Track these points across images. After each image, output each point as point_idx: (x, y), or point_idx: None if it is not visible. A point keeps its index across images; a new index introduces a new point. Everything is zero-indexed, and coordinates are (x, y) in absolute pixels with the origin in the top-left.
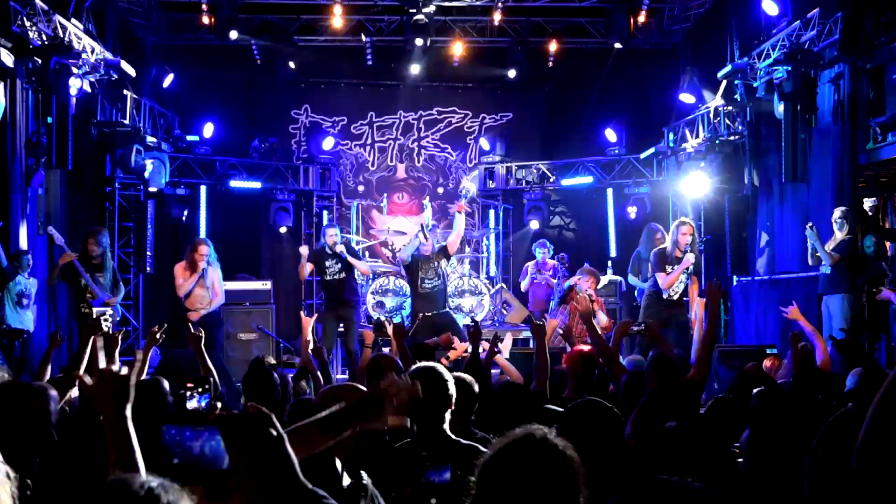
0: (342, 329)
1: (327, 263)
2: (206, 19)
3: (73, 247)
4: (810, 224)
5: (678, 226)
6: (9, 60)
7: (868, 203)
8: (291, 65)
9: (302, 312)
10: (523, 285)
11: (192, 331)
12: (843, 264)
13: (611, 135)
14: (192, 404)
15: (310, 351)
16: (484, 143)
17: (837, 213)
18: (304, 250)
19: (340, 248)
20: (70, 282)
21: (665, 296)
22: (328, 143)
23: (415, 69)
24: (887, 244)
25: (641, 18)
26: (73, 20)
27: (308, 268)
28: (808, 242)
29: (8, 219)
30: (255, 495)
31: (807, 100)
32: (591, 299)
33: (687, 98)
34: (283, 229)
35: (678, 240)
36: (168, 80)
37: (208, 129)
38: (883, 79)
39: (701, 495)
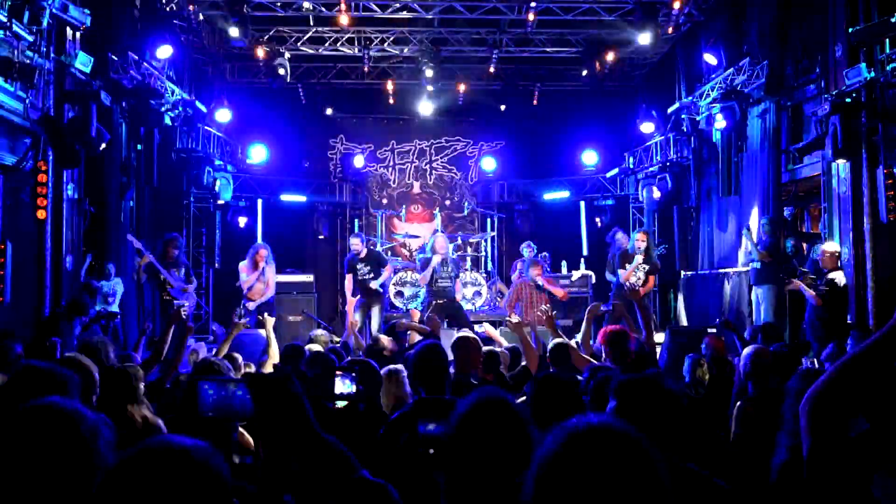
0: (370, 315)
1: (359, 267)
2: (262, 66)
3: (154, 248)
4: (747, 227)
5: (635, 234)
6: (107, 100)
7: (787, 212)
8: (328, 111)
9: (349, 296)
10: (514, 278)
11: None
12: (769, 261)
13: (590, 158)
14: (339, 388)
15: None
16: (489, 164)
17: (764, 220)
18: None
19: (367, 270)
20: (153, 277)
21: (626, 287)
22: (359, 163)
23: (426, 108)
24: (803, 245)
25: (609, 62)
26: (157, 67)
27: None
28: (744, 241)
29: (106, 225)
30: (275, 441)
31: (739, 131)
32: (541, 282)
33: (646, 127)
34: (321, 236)
35: (635, 245)
36: (226, 117)
37: (264, 154)
38: (800, 113)
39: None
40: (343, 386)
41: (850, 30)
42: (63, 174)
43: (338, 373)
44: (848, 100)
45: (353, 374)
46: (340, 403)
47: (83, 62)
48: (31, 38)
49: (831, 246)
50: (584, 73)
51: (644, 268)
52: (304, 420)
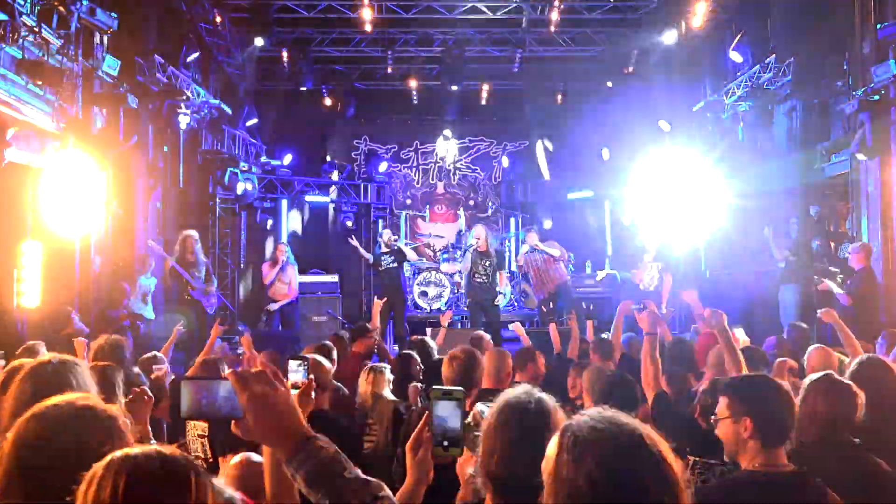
0: (393, 316)
1: (383, 258)
2: (286, 68)
3: (172, 250)
4: (768, 226)
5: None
6: (134, 103)
7: (813, 211)
8: (349, 115)
9: (376, 298)
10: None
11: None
12: (796, 260)
13: (605, 153)
14: (293, 377)
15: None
16: (504, 161)
17: (793, 220)
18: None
19: (395, 240)
20: (176, 279)
21: (642, 287)
22: (382, 166)
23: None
24: (832, 244)
25: (630, 68)
26: (183, 70)
27: (368, 256)
28: (770, 241)
29: (133, 227)
30: (262, 440)
31: (765, 128)
32: (536, 244)
33: (663, 125)
34: (351, 225)
35: (644, 244)
36: (251, 119)
37: (288, 156)
38: (828, 111)
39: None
40: (295, 376)
41: (879, 26)
42: (91, 176)
43: (290, 361)
44: (876, 97)
45: (305, 364)
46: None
47: (110, 65)
48: (59, 42)
49: (862, 244)
50: (609, 84)
51: (658, 265)
52: (292, 417)
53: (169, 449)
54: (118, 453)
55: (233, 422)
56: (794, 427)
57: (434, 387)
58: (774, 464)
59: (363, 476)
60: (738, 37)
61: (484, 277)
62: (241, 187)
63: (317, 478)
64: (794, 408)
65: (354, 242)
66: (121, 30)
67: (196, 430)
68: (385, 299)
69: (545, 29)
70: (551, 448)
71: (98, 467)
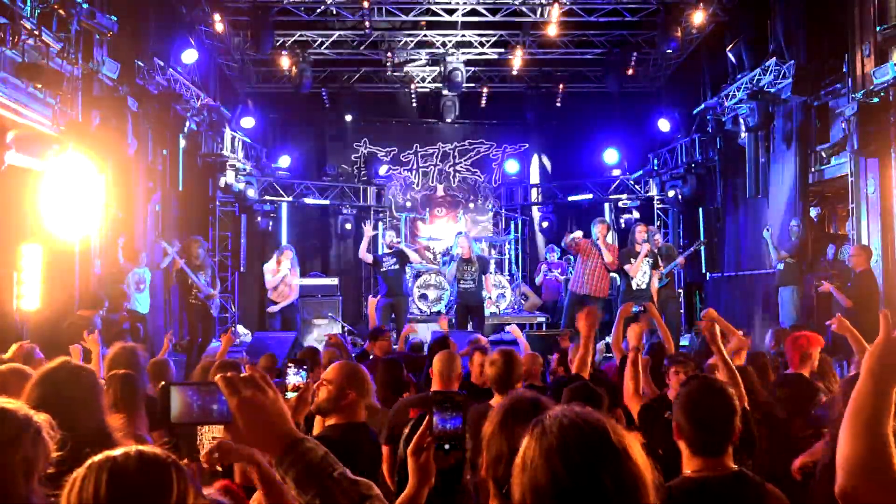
0: (394, 317)
1: (385, 259)
2: (286, 71)
3: (180, 251)
4: (767, 227)
5: (633, 225)
6: (134, 106)
7: (813, 212)
8: (348, 117)
9: (370, 297)
10: (537, 280)
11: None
12: (794, 262)
13: (614, 159)
14: (291, 379)
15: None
16: (512, 167)
17: (793, 222)
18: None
19: (397, 241)
20: (181, 280)
21: (634, 286)
22: (382, 169)
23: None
24: (832, 246)
25: (630, 70)
26: (182, 73)
27: (368, 256)
28: (770, 242)
29: (133, 228)
30: (252, 443)
31: (765, 131)
32: (600, 245)
33: (662, 125)
34: (369, 229)
35: (635, 238)
36: (250, 123)
37: (288, 158)
38: (827, 113)
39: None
40: (295, 378)
41: (878, 28)
42: (91, 179)
43: (290, 365)
44: (876, 99)
45: (305, 367)
46: (291, 395)
47: (110, 68)
48: (59, 46)
49: (862, 246)
50: (608, 76)
51: (649, 261)
52: (281, 420)
53: (150, 449)
54: (100, 455)
55: (223, 427)
56: (731, 430)
57: (435, 390)
58: (711, 467)
59: (352, 476)
60: (738, 39)
61: (470, 283)
62: (241, 189)
63: (306, 479)
64: (731, 411)
65: (367, 229)
66: (120, 33)
67: (211, 432)
68: (378, 297)
69: (545, 31)
70: (523, 441)
71: (81, 468)
